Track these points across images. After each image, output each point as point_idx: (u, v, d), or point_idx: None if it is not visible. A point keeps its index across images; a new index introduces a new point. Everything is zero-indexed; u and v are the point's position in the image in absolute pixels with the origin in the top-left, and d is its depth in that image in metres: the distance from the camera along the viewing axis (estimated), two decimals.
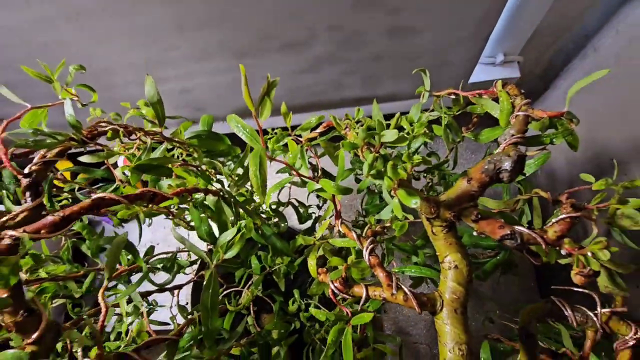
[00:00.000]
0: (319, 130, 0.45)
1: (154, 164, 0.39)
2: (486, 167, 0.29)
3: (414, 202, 0.26)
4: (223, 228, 0.43)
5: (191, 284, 0.62)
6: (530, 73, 0.90)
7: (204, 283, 0.38)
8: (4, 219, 0.26)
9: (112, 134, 0.36)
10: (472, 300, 0.92)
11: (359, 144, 0.31)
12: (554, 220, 0.28)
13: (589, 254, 0.26)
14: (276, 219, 0.61)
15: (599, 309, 0.36)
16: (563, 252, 0.27)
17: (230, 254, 0.36)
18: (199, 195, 0.41)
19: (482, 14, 0.62)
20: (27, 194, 0.30)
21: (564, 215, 0.27)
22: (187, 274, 0.61)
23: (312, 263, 0.36)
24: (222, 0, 0.59)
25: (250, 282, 0.59)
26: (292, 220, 0.80)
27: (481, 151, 1.11)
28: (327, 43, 0.68)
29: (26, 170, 0.31)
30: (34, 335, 0.28)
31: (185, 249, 0.43)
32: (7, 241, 0.26)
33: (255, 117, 0.26)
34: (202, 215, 0.43)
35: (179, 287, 0.57)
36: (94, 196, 0.28)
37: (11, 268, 0.25)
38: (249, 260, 0.61)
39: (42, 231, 0.26)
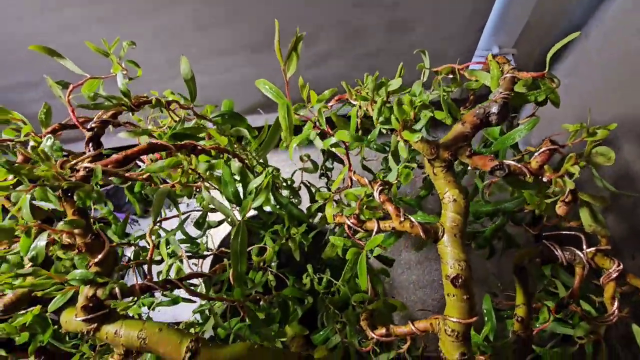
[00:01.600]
0: (331, 103, 0.50)
1: (188, 132, 0.45)
2: (477, 111, 0.34)
3: (416, 138, 0.31)
4: (247, 189, 0.48)
5: (211, 256, 0.66)
6: (525, 65, 0.96)
7: (233, 233, 0.43)
8: (79, 159, 0.32)
9: (155, 102, 0.42)
10: (475, 276, 0.96)
11: (369, 98, 0.37)
12: (536, 154, 0.33)
13: (566, 176, 0.30)
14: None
15: (584, 246, 0.40)
16: (545, 179, 0.32)
17: (258, 202, 0.41)
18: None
19: (473, 7, 0.68)
20: (90, 145, 0.36)
21: (544, 149, 0.32)
22: (208, 253, 0.67)
23: (329, 211, 0.41)
24: (237, 0, 0.66)
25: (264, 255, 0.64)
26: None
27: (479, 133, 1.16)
28: (331, 39, 0.74)
29: (88, 126, 0.37)
30: (99, 256, 0.33)
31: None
32: (82, 173, 0.31)
33: (283, 71, 0.32)
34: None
35: (203, 257, 0.62)
36: (149, 140, 0.34)
37: (86, 193, 0.30)
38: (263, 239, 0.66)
39: (109, 166, 0.32)
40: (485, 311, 0.50)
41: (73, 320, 0.37)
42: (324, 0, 0.64)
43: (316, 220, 0.56)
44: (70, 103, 0.36)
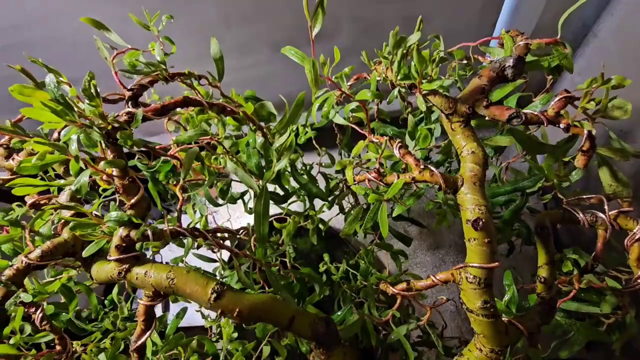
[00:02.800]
0: (350, 82, 0.53)
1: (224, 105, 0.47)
2: (494, 65, 0.36)
3: (436, 85, 0.33)
4: (269, 162, 0.50)
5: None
6: None
7: (257, 196, 0.44)
8: (122, 112, 0.35)
9: (188, 72, 0.45)
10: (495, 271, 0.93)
11: (388, 58, 0.39)
12: (551, 102, 0.34)
13: (581, 118, 0.31)
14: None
15: (606, 207, 0.40)
16: (562, 125, 0.33)
17: (281, 164, 0.43)
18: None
19: (483, 3, 0.71)
20: (129, 103, 0.39)
21: (560, 97, 0.34)
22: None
23: (349, 174, 0.43)
24: None
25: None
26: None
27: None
28: (350, 33, 0.78)
29: (129, 87, 0.40)
30: (134, 199, 0.35)
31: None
32: (124, 117, 0.34)
33: (310, 28, 0.35)
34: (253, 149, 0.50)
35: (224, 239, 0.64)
36: (183, 95, 0.37)
37: (127, 136, 0.33)
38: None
39: (149, 113, 0.35)
40: (506, 286, 0.50)
41: (104, 268, 0.38)
42: None
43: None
44: (114, 68, 0.40)
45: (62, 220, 0.40)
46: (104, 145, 0.34)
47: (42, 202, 0.41)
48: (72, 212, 0.40)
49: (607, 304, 0.46)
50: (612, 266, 0.48)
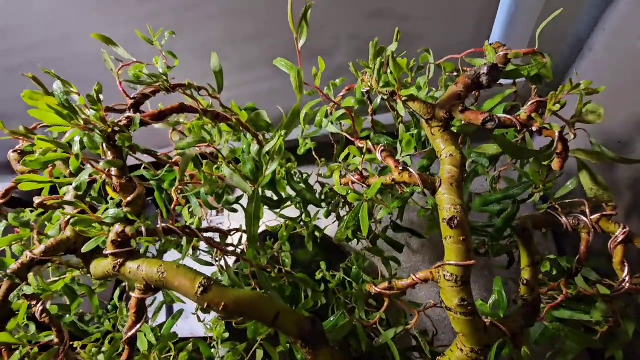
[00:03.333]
0: (342, 93, 0.55)
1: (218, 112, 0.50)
2: (469, 73, 0.38)
3: (412, 91, 0.35)
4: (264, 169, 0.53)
5: None
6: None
7: (249, 199, 0.46)
8: (122, 117, 0.38)
9: (188, 83, 0.48)
10: (489, 277, 0.92)
11: (371, 67, 0.41)
12: (524, 108, 0.36)
13: (547, 120, 0.33)
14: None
15: (587, 211, 0.41)
16: (534, 128, 0.35)
17: (272, 167, 0.45)
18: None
19: (477, 19, 0.74)
20: (131, 110, 0.42)
21: (532, 101, 0.35)
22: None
23: (336, 178, 0.44)
24: (266, 16, 0.75)
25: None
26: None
27: None
28: (348, 51, 0.82)
29: (131, 96, 0.43)
30: (130, 197, 0.37)
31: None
32: (124, 121, 0.37)
33: (295, 40, 0.38)
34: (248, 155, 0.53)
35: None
36: (179, 103, 0.40)
37: (125, 139, 0.36)
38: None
39: (147, 118, 0.38)
40: (496, 292, 0.50)
41: (101, 264, 0.41)
42: (340, 13, 0.72)
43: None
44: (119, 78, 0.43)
45: (66, 219, 0.42)
46: (105, 147, 0.37)
47: (49, 202, 0.44)
48: (76, 210, 0.43)
49: (597, 311, 0.45)
50: (605, 272, 0.48)
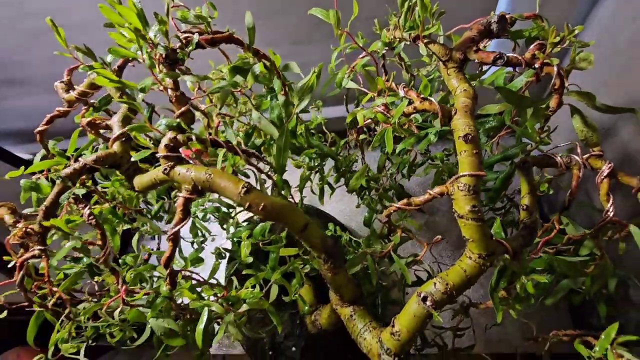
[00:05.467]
0: (362, 55, 0.61)
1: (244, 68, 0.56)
2: (482, 21, 0.44)
3: (434, 28, 0.41)
4: (288, 117, 0.58)
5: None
6: None
7: (279, 135, 0.51)
8: (182, 36, 0.43)
9: (228, 29, 0.53)
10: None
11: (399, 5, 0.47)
12: (529, 48, 0.42)
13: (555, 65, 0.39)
14: None
15: (579, 150, 0.47)
16: (536, 65, 0.41)
17: (302, 104, 0.50)
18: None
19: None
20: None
21: (535, 43, 0.42)
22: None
23: (360, 115, 0.50)
24: None
25: None
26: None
27: None
28: (363, 32, 0.88)
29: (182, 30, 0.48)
30: (182, 109, 0.42)
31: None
32: (179, 44, 0.42)
33: None
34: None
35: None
36: (228, 32, 0.45)
37: (184, 54, 0.41)
38: None
39: (202, 41, 0.43)
40: (495, 232, 0.55)
41: (147, 174, 0.45)
42: None
43: None
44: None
45: (116, 135, 0.46)
46: (161, 65, 0.42)
47: (97, 121, 0.48)
48: (124, 130, 0.47)
49: (585, 248, 0.51)
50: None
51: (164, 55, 0.41)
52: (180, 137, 0.41)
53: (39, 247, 0.44)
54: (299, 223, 0.43)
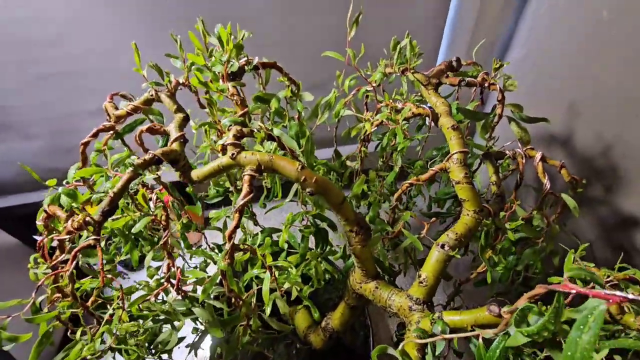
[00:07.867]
0: (353, 92, 0.80)
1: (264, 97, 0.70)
2: (447, 61, 0.65)
3: (416, 64, 0.61)
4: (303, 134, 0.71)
5: None
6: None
7: (305, 142, 0.64)
8: (242, 60, 0.56)
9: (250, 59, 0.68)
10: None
11: (391, 49, 0.67)
12: (479, 75, 0.63)
13: (497, 84, 0.60)
14: None
15: (520, 144, 0.67)
16: (486, 84, 0.62)
17: (324, 118, 0.64)
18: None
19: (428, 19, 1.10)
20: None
21: (483, 72, 0.63)
22: None
23: (368, 125, 0.65)
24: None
25: None
26: None
27: None
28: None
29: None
30: (244, 110, 0.53)
31: None
32: (243, 62, 0.55)
33: (347, 34, 0.62)
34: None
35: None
36: (273, 61, 0.59)
37: (249, 69, 0.54)
38: None
39: (259, 64, 0.56)
40: None
41: (208, 165, 0.53)
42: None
43: None
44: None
45: (175, 137, 0.55)
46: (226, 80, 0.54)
47: (156, 127, 0.56)
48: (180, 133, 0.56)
49: (536, 219, 0.69)
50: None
51: (229, 72, 0.54)
52: (245, 130, 0.52)
53: (94, 237, 0.47)
54: (339, 197, 0.54)
